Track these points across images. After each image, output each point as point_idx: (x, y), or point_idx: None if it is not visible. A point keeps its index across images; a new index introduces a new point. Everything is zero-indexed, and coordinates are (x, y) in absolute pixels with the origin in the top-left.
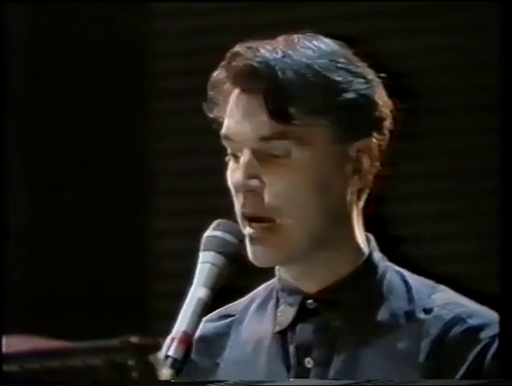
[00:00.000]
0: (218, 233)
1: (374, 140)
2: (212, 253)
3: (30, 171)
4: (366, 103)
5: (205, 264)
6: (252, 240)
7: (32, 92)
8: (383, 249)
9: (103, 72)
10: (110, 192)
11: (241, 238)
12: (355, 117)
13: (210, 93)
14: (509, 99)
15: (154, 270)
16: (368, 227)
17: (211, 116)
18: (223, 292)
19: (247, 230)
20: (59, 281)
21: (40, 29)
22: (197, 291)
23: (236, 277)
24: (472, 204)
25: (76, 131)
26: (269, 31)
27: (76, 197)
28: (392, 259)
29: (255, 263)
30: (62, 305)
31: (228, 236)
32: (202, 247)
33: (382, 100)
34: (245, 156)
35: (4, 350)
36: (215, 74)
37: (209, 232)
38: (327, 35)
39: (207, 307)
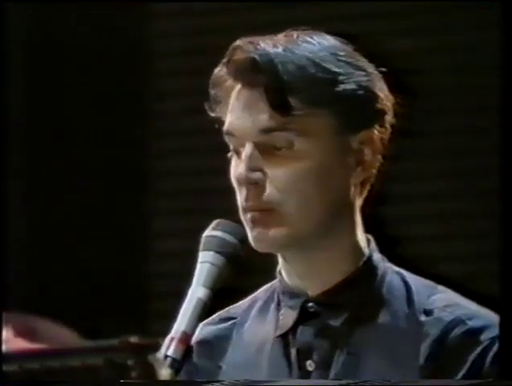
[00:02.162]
0: (218, 233)
1: (376, 132)
2: (211, 253)
3: (31, 171)
4: (367, 95)
5: (205, 264)
6: (253, 222)
7: (32, 92)
8: (383, 250)
9: (103, 72)
10: (110, 192)
11: (240, 238)
12: (356, 108)
13: (212, 92)
14: (510, 99)
15: (154, 270)
16: (368, 227)
17: (213, 115)
18: (222, 292)
19: (248, 215)
20: (59, 281)
21: (40, 29)
22: (196, 291)
23: (235, 278)
24: (472, 204)
25: (76, 131)
26: (269, 31)
27: (76, 197)
28: (392, 259)
29: (256, 247)
30: (62, 306)
31: (227, 236)
32: (202, 247)
33: (383, 94)
34: (247, 149)
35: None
36: (216, 71)
37: (209, 232)
38: (327, 34)
39: (206, 307)
